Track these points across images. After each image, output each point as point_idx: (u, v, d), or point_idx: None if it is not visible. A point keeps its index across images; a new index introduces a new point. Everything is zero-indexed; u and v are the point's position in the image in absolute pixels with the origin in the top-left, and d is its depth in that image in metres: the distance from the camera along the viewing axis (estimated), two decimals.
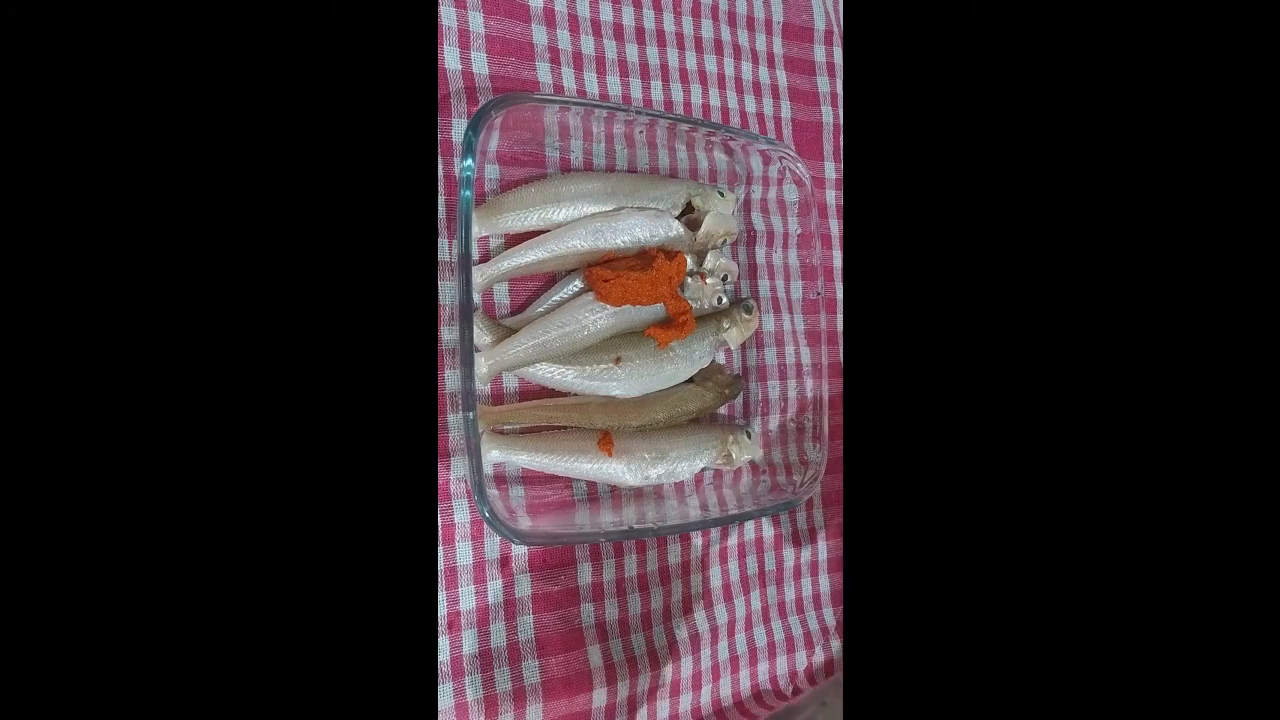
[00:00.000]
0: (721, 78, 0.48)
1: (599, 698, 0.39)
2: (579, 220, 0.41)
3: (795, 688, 0.46)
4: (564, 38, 0.43)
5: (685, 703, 0.43)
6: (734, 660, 0.45)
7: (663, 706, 0.42)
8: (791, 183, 0.45)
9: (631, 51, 0.45)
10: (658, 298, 0.41)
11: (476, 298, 0.39)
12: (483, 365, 0.38)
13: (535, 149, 0.41)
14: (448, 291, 0.38)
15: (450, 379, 0.38)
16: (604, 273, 0.39)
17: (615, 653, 0.40)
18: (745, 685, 0.45)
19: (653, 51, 0.46)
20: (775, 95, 0.51)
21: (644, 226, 0.41)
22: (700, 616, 0.44)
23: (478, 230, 0.39)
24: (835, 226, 0.52)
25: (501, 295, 0.41)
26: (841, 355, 0.47)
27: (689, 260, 0.43)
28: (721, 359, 0.46)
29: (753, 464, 0.45)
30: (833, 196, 0.52)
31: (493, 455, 0.38)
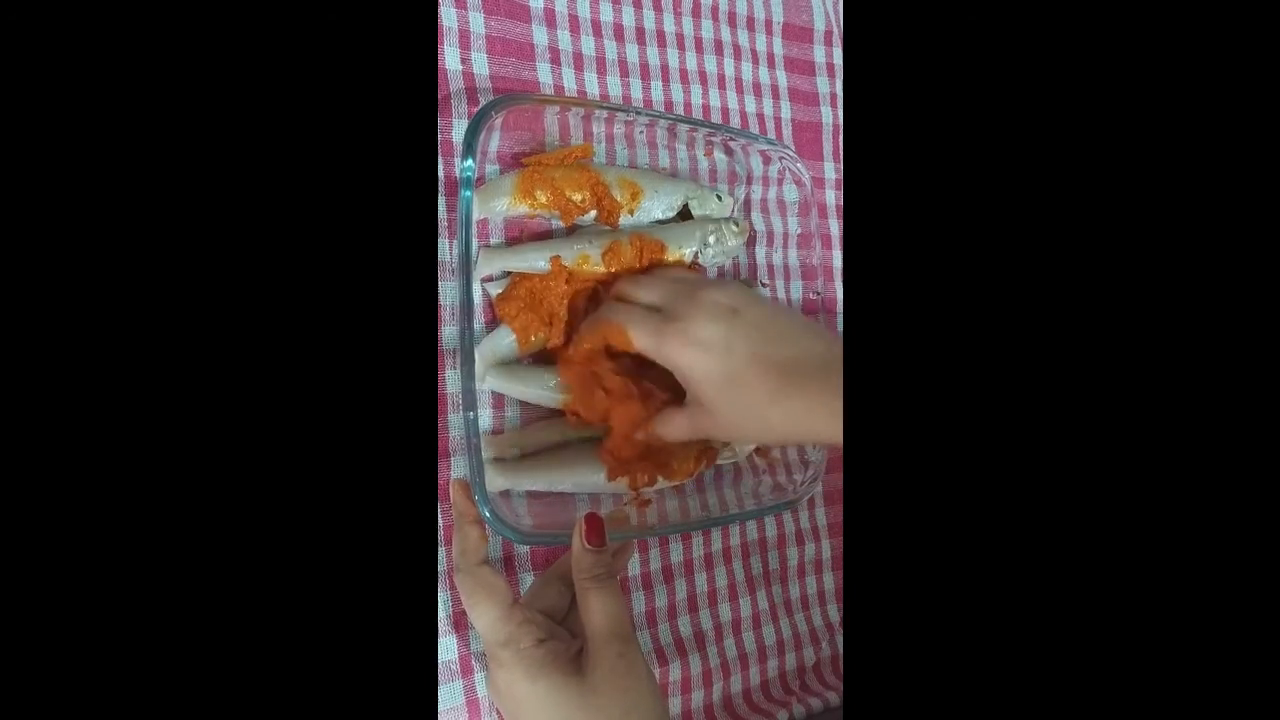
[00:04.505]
0: (721, 78, 0.48)
1: None
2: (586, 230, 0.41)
3: (803, 683, 0.46)
4: (564, 38, 0.43)
5: (697, 699, 0.43)
6: (743, 658, 0.45)
7: (675, 703, 0.42)
8: (791, 183, 0.45)
9: (631, 52, 0.45)
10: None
11: (477, 298, 0.39)
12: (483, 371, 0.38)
13: (535, 149, 0.41)
14: (448, 291, 0.38)
15: (450, 379, 0.38)
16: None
17: None
18: (755, 681, 0.45)
19: (653, 52, 0.46)
20: (775, 95, 0.51)
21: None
22: (705, 615, 0.44)
23: (477, 215, 0.38)
24: (835, 226, 0.52)
25: None
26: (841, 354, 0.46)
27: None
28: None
29: (753, 464, 0.45)
30: (833, 196, 0.52)
31: (498, 484, 0.38)
